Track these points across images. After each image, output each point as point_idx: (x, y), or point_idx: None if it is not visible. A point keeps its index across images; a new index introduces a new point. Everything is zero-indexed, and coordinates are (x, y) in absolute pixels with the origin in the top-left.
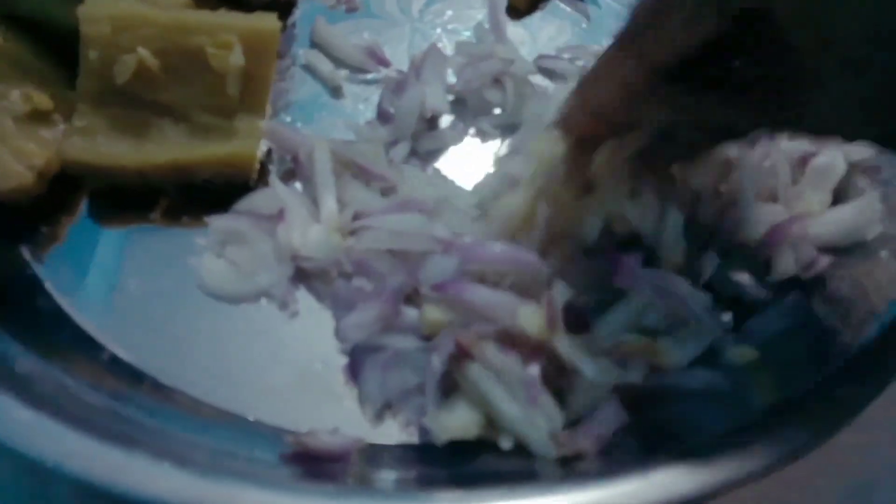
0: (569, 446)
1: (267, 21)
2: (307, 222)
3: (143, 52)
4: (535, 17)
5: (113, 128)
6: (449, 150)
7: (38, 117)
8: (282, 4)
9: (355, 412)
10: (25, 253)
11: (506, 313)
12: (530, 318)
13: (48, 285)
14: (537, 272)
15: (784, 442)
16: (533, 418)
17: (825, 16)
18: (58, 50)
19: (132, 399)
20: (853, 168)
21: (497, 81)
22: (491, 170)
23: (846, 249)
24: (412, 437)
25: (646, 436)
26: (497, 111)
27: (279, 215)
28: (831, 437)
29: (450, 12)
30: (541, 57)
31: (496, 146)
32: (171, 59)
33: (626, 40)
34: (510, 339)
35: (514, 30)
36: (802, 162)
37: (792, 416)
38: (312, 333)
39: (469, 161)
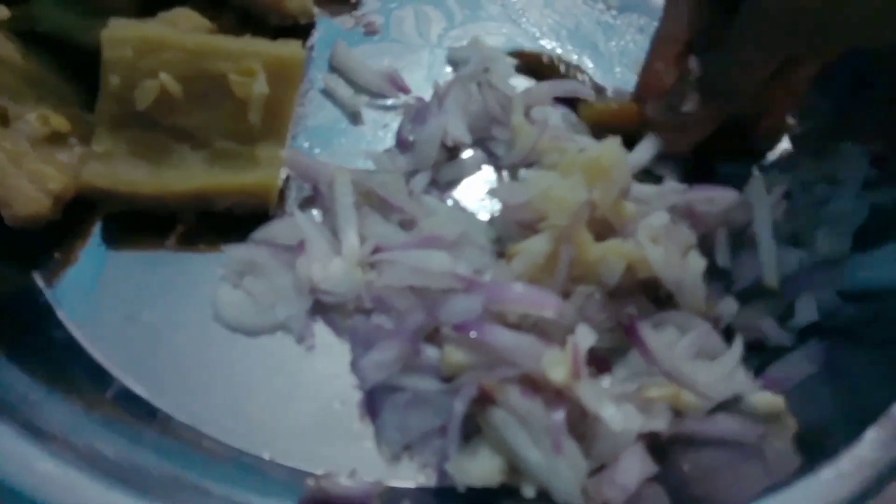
0: (595, 496)
1: (291, 48)
2: (328, 255)
3: (165, 77)
4: None
5: (132, 153)
6: (466, 180)
7: (54, 139)
8: (301, 27)
9: (372, 452)
10: (38, 280)
11: (529, 358)
12: (555, 364)
13: (61, 314)
14: (559, 314)
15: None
16: (557, 466)
17: None
18: (75, 68)
19: (144, 437)
20: (875, 212)
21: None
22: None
23: (872, 296)
24: (429, 480)
25: (673, 489)
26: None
27: (299, 247)
28: (874, 496)
29: (467, 39)
30: None
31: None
32: (193, 85)
33: None
34: (533, 384)
35: None
36: (823, 205)
37: (828, 474)
38: (330, 368)
39: (484, 190)
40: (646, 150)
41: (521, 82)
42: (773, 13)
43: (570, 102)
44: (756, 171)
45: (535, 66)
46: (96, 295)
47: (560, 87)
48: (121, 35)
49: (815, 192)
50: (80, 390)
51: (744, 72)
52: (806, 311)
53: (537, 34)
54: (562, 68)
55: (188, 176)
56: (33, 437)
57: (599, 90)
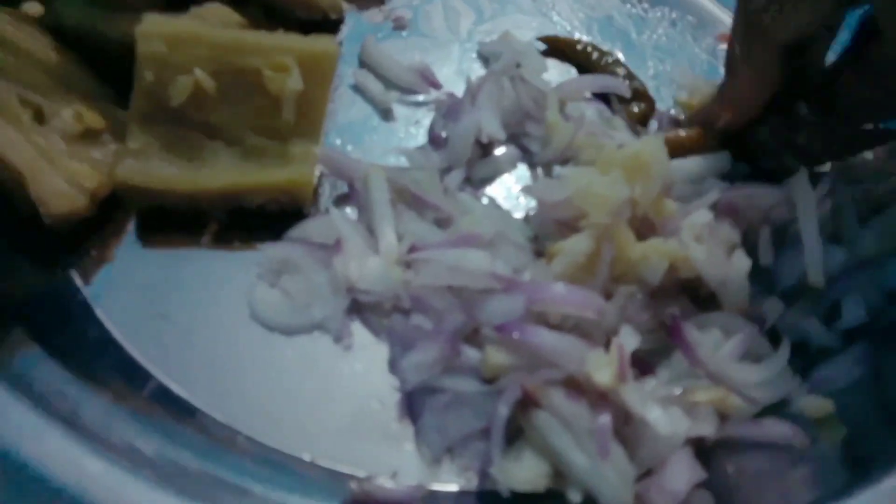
0: (644, 502)
1: (324, 43)
2: (364, 254)
3: (199, 72)
4: None
5: (166, 150)
6: (500, 177)
7: (88, 136)
8: (329, 22)
9: (412, 454)
10: (76, 277)
11: (573, 359)
12: (600, 366)
13: (98, 312)
14: (602, 315)
15: None
16: (604, 471)
17: None
18: (106, 65)
19: (181, 436)
20: None
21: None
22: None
23: None
24: (470, 483)
25: (720, 495)
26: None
27: (336, 245)
28: None
29: (497, 34)
30: None
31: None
32: (226, 80)
33: (747, 27)
34: (577, 386)
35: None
36: (870, 202)
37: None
38: (368, 368)
39: (518, 187)
40: (698, 162)
41: (554, 76)
42: None
43: (605, 98)
44: (800, 167)
45: (569, 52)
46: (132, 292)
47: (596, 83)
48: (154, 30)
49: (860, 188)
50: (116, 388)
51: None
52: (853, 311)
53: (568, 28)
54: (594, 55)
55: (221, 173)
56: (80, 437)
57: (632, 78)
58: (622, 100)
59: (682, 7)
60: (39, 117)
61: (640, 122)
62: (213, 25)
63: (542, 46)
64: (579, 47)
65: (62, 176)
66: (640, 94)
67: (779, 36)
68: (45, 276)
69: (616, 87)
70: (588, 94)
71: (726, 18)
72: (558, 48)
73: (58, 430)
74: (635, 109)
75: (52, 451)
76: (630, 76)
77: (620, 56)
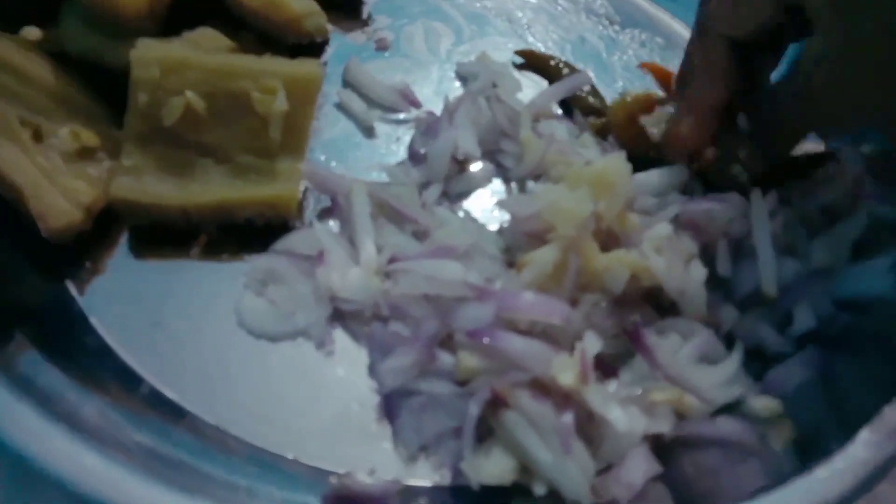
0: (602, 494)
1: (309, 67)
2: (346, 264)
3: (190, 95)
4: None
5: (159, 168)
6: (476, 192)
7: (85, 154)
8: (315, 44)
9: (390, 452)
10: (72, 288)
11: (539, 363)
12: (564, 369)
13: (93, 321)
14: (567, 321)
15: (816, 499)
16: (567, 466)
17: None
18: (102, 87)
19: (172, 435)
20: (875, 224)
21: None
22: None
23: (865, 305)
24: (444, 479)
25: (677, 488)
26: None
27: (319, 257)
28: (865, 493)
29: (475, 54)
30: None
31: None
32: (217, 102)
33: (699, 25)
34: (543, 388)
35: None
36: (823, 215)
37: (823, 472)
38: (348, 372)
39: (493, 201)
40: (659, 175)
41: (529, 96)
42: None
43: (573, 112)
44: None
45: (542, 66)
46: (125, 302)
47: (562, 89)
48: (149, 55)
49: (812, 202)
50: (112, 392)
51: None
52: (804, 319)
53: (542, 48)
54: (565, 71)
55: (211, 189)
56: (79, 434)
57: (596, 95)
58: (585, 112)
59: (652, 29)
60: (38, 136)
61: (600, 134)
62: (204, 50)
63: (519, 60)
64: (552, 63)
65: (60, 192)
66: (599, 110)
67: (724, 29)
68: (44, 287)
69: (579, 84)
70: (558, 111)
71: None
72: (533, 63)
73: (58, 428)
74: (595, 121)
75: (54, 447)
76: (594, 93)
77: (592, 76)
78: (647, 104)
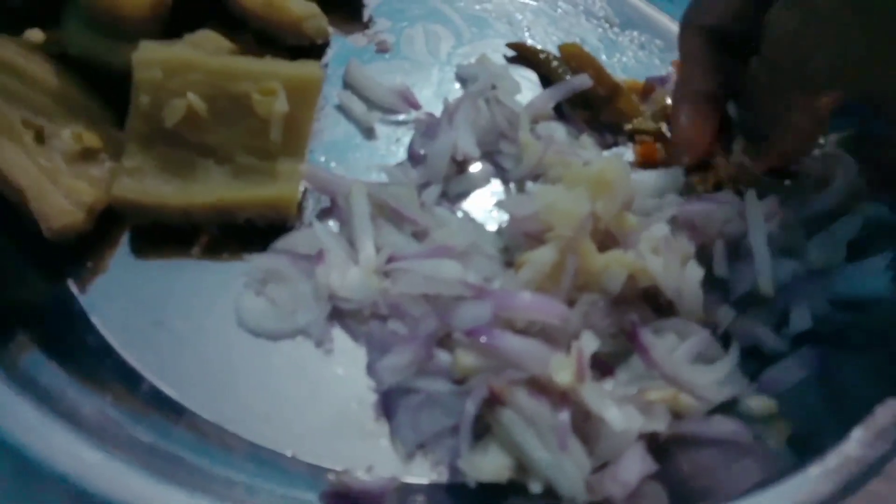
0: (598, 492)
1: (310, 69)
2: (345, 264)
3: (192, 96)
4: None
5: (160, 168)
6: (475, 192)
7: (86, 156)
8: (316, 46)
9: (387, 450)
10: (73, 287)
11: (536, 362)
12: (561, 368)
13: (94, 320)
14: (565, 321)
15: (809, 496)
16: (563, 463)
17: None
18: (104, 90)
19: (172, 433)
20: (869, 224)
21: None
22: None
23: (860, 305)
24: (441, 477)
25: (672, 486)
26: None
27: (318, 256)
28: (857, 490)
29: (474, 56)
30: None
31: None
32: (218, 104)
33: (686, 18)
34: (539, 386)
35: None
36: (817, 216)
37: (815, 470)
38: (347, 370)
39: (492, 202)
40: (656, 176)
41: (528, 97)
42: (779, 64)
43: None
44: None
45: (532, 59)
46: (126, 301)
47: (561, 91)
48: (151, 57)
49: (808, 204)
50: (113, 390)
51: (769, 116)
52: (800, 318)
53: None
54: (554, 63)
55: (212, 189)
56: (80, 431)
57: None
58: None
59: (651, 31)
60: (40, 138)
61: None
62: (206, 52)
63: (512, 53)
64: (542, 56)
65: (62, 193)
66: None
67: (699, 19)
68: (46, 286)
69: (578, 86)
70: (556, 114)
71: None
72: (524, 55)
73: (60, 425)
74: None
75: (55, 444)
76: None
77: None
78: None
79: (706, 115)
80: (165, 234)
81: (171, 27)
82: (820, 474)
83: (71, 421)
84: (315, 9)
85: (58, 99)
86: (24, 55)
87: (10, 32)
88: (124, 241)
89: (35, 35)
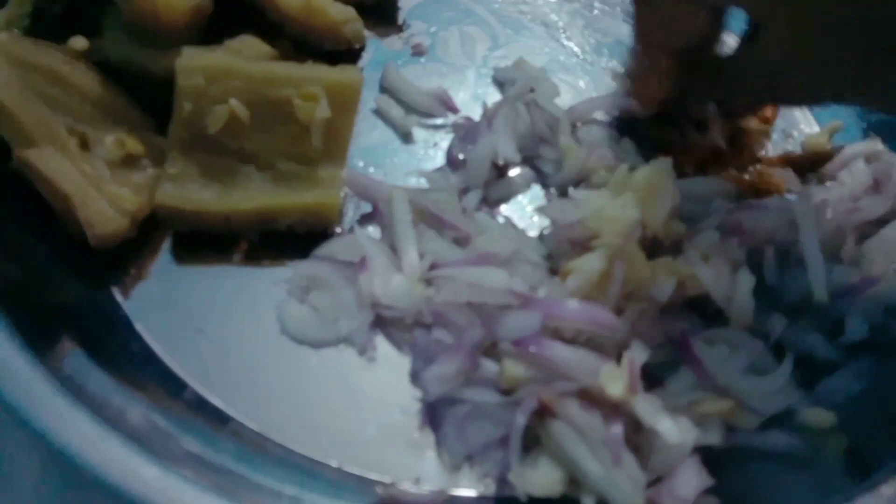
0: None
1: (350, 74)
2: (388, 271)
3: (234, 102)
4: None
5: (202, 175)
6: (515, 198)
7: (129, 162)
8: (352, 50)
9: (434, 461)
10: (117, 294)
11: (587, 372)
12: (612, 379)
13: (138, 326)
14: (614, 330)
15: None
16: (616, 478)
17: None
18: (146, 96)
19: (216, 442)
20: None
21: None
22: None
23: None
24: (489, 489)
25: (728, 501)
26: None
27: (361, 263)
28: None
29: (511, 59)
30: None
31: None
32: (259, 110)
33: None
34: (590, 397)
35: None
36: (867, 222)
37: (888, 490)
38: (390, 379)
39: (532, 207)
40: (703, 182)
41: (567, 100)
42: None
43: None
44: (803, 188)
45: None
46: (168, 308)
47: (606, 103)
48: (193, 64)
49: (859, 209)
50: (156, 396)
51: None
52: (856, 327)
53: (580, 53)
54: None
55: (254, 196)
56: (130, 440)
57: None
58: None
59: None
60: (84, 145)
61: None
62: (246, 58)
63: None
64: None
65: (106, 199)
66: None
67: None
68: (89, 293)
69: (624, 104)
70: (599, 116)
71: (731, 41)
72: None
73: (114, 435)
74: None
75: (110, 454)
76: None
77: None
78: None
79: (666, 65)
80: (206, 242)
81: (209, 34)
82: (893, 494)
83: (120, 429)
84: (353, 13)
85: (101, 106)
86: (69, 63)
87: (54, 40)
88: (166, 247)
89: (79, 42)
